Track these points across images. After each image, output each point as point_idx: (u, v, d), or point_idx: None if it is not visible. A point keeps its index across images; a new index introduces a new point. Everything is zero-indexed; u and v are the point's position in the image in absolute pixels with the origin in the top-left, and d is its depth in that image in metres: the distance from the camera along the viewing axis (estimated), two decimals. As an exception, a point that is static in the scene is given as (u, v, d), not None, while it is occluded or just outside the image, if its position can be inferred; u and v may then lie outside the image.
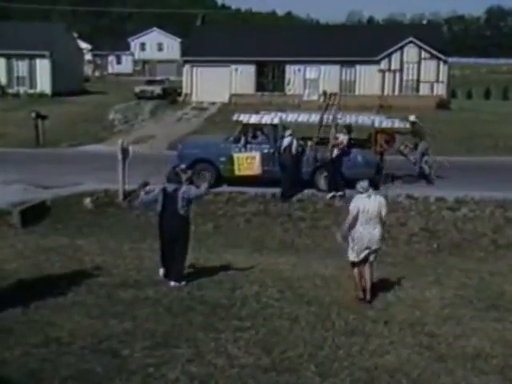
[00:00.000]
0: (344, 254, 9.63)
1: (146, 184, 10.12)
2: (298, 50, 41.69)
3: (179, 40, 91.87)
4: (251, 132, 18.88)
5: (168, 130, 30.23)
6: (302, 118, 19.11)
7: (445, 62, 41.90)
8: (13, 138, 26.88)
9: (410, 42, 41.67)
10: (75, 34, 61.25)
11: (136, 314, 8.24)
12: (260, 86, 43.52)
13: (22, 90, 44.32)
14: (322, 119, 18.53)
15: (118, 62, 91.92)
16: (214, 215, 16.78)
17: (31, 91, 44.17)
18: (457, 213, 16.71)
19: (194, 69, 44.05)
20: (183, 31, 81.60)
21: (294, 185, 17.89)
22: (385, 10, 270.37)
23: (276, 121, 18.66)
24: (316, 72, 42.87)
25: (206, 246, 13.30)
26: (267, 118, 18.89)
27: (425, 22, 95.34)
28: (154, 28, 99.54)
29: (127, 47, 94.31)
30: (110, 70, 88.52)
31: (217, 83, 42.07)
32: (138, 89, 46.40)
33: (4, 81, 44.93)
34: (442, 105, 40.59)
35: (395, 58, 42.06)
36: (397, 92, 42.21)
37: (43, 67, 44.49)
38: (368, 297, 9.08)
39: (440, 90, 42.03)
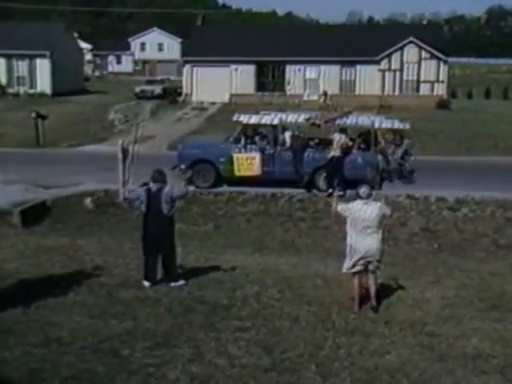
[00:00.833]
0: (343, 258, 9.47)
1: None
2: (298, 50, 41.67)
3: (179, 40, 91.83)
4: (251, 132, 18.91)
5: (168, 130, 30.22)
6: (302, 118, 19.14)
7: (445, 61, 41.89)
8: (13, 137, 26.88)
9: (411, 41, 41.66)
10: (75, 34, 61.25)
11: (136, 314, 8.24)
12: (260, 86, 43.51)
13: (22, 89, 44.34)
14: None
15: (118, 61, 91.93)
16: (214, 215, 16.80)
17: (31, 91, 44.18)
18: (457, 213, 16.72)
19: (195, 69, 44.04)
20: (183, 31, 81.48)
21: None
22: (385, 10, 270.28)
23: (276, 121, 18.68)
24: (316, 72, 42.86)
25: (206, 246, 13.29)
26: (267, 119, 18.90)
27: (425, 21, 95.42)
28: (155, 28, 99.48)
29: (127, 47, 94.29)
30: (110, 69, 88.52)
31: (217, 83, 42.06)
32: (138, 89, 46.43)
33: (4, 81, 44.94)
34: (443, 105, 40.58)
35: (395, 57, 42.06)
36: (397, 92, 42.22)
37: (43, 67, 44.50)
38: (374, 303, 8.90)
39: (440, 89, 42.02)
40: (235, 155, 18.19)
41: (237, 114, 19.72)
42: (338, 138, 17.93)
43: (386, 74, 42.21)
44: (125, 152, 17.20)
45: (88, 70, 75.72)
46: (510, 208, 16.80)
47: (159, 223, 9.42)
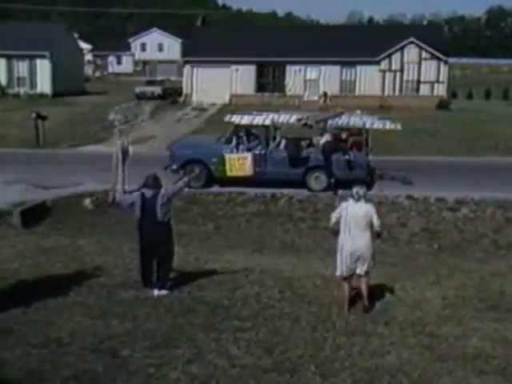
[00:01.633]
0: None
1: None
2: (298, 51, 41.68)
3: (180, 40, 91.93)
4: (243, 133, 18.92)
5: (168, 131, 30.20)
6: (294, 118, 19.10)
7: (445, 62, 41.91)
8: (13, 138, 26.89)
9: (411, 42, 41.68)
10: (76, 35, 61.34)
11: (136, 315, 8.24)
12: (260, 87, 43.53)
13: (22, 90, 44.36)
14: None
15: (119, 62, 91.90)
16: (214, 215, 16.81)
17: (31, 92, 44.21)
18: (457, 213, 16.73)
19: (195, 69, 44.06)
20: (184, 32, 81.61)
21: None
22: (385, 11, 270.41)
23: (267, 122, 18.70)
24: (316, 72, 42.86)
25: (206, 246, 13.29)
26: (259, 119, 18.90)
27: (425, 22, 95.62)
28: (155, 28, 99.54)
29: (128, 47, 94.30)
30: (111, 70, 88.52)
31: (217, 84, 42.08)
32: (138, 89, 46.43)
33: (4, 81, 44.95)
34: (443, 105, 40.61)
35: (395, 58, 42.07)
36: (397, 92, 42.23)
37: (43, 68, 44.51)
38: (366, 303, 8.90)
39: (440, 90, 42.04)
40: (227, 155, 18.20)
41: (229, 114, 19.76)
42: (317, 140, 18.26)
43: (387, 74, 42.22)
44: (125, 152, 17.22)
45: (88, 70, 75.71)
46: (510, 208, 16.80)
47: (154, 229, 9.16)
